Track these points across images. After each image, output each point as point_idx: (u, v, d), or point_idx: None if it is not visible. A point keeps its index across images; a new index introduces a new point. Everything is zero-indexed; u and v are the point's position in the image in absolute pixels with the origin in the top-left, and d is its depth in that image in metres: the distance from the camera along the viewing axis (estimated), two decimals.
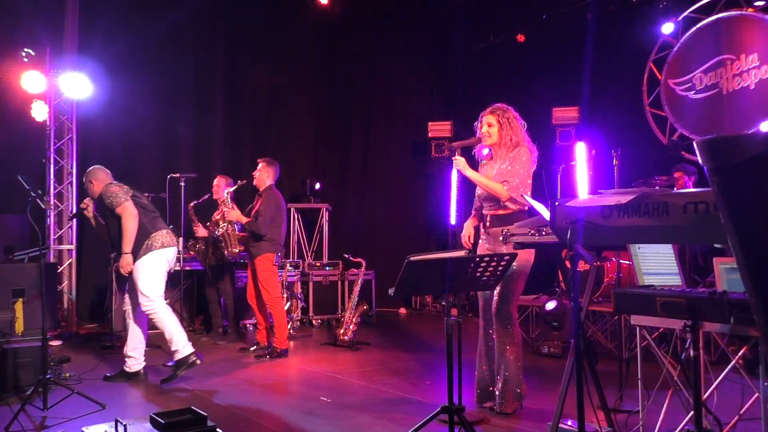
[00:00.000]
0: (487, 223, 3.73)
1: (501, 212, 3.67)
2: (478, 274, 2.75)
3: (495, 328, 3.62)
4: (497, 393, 3.60)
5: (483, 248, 3.76)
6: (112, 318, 6.37)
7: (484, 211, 3.77)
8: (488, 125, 3.72)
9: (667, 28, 6.85)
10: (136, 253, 4.33)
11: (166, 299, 4.45)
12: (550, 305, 5.44)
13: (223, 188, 6.01)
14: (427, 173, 9.62)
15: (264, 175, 5.55)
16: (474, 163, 3.86)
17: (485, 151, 3.88)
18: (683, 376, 2.80)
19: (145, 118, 7.51)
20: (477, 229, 3.92)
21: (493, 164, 3.77)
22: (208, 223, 6.19)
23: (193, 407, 2.98)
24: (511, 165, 3.62)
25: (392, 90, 9.61)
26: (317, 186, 8.44)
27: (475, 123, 3.83)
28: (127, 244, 4.29)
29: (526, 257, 3.52)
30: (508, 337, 3.58)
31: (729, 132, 5.97)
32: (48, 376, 3.65)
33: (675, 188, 5.09)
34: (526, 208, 3.61)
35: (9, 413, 3.41)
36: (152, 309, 4.34)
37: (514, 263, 3.46)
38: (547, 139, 7.51)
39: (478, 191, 3.80)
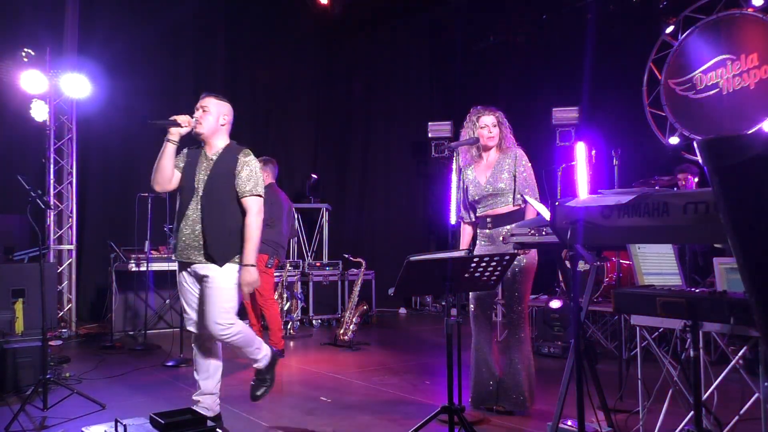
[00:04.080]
0: (489, 224, 3.63)
1: (504, 210, 3.60)
2: (478, 274, 2.75)
3: (508, 330, 3.61)
4: (510, 393, 3.53)
5: (483, 251, 3.62)
6: (112, 318, 6.37)
7: (484, 212, 3.66)
8: (492, 125, 3.65)
9: (667, 28, 6.84)
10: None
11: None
12: (555, 303, 5.41)
13: None
14: (427, 173, 9.62)
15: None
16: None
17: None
18: (683, 376, 2.81)
19: (145, 118, 7.47)
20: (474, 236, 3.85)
21: (483, 165, 3.70)
22: None
23: (192, 407, 2.98)
24: (526, 172, 3.60)
25: (392, 90, 9.61)
26: (317, 186, 8.44)
27: (465, 122, 3.74)
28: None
29: (533, 255, 3.52)
30: (522, 338, 3.54)
31: (729, 132, 5.99)
32: (48, 376, 3.65)
33: (677, 189, 5.09)
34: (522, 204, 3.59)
35: (9, 413, 3.41)
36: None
37: (524, 262, 3.49)
38: (547, 139, 7.51)
39: (476, 192, 3.67)
